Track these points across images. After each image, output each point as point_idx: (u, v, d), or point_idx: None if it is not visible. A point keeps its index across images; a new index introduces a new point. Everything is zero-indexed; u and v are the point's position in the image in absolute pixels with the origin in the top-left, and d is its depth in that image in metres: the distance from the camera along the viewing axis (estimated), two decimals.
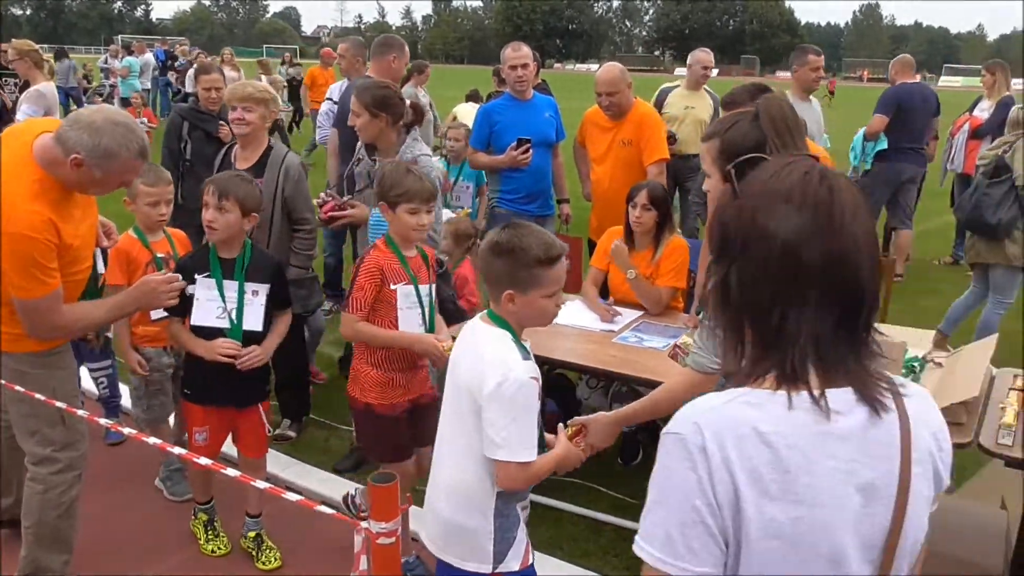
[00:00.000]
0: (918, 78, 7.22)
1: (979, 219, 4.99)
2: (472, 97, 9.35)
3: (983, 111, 7.48)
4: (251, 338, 2.99)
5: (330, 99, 5.83)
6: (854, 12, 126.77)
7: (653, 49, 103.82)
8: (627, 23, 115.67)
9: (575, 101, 13.59)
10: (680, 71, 9.85)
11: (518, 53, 4.73)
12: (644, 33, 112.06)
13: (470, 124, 8.89)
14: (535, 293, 2.04)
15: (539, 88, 7.67)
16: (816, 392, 1.03)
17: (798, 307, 1.04)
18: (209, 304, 2.95)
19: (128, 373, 3.41)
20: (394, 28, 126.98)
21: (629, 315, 3.72)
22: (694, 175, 5.61)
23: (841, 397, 1.04)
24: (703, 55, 6.41)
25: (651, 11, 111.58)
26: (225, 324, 2.96)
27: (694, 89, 6.27)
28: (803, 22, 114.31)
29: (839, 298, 1.04)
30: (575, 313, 3.76)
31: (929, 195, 9.00)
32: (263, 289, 3.01)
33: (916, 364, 2.98)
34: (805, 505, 1.00)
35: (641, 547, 1.05)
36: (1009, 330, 5.74)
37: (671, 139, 5.77)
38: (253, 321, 2.99)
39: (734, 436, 1.01)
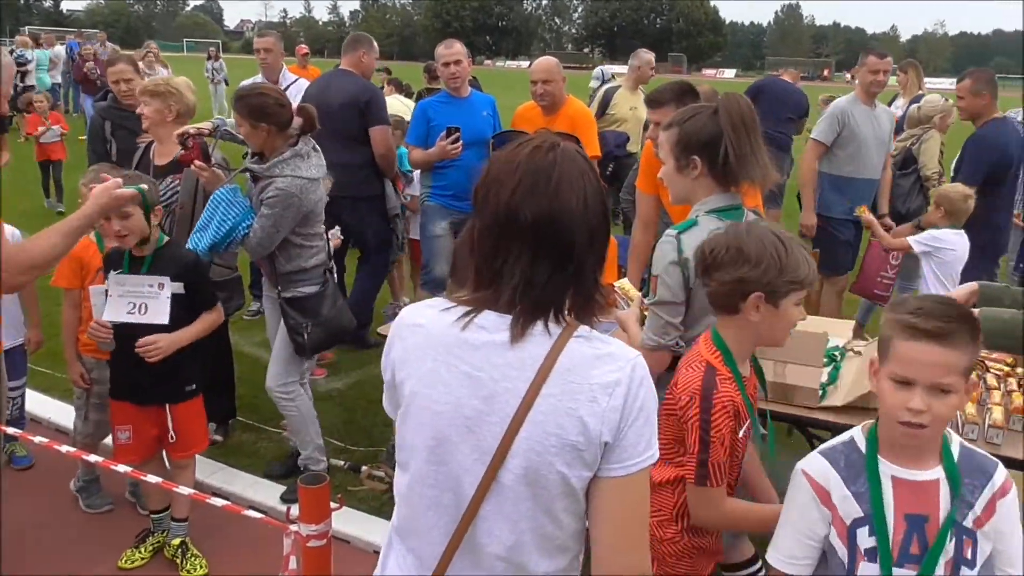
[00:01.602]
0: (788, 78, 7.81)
1: (892, 209, 5.31)
2: (395, 84, 9.29)
3: (898, 108, 7.82)
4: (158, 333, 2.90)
5: None
6: (776, 12, 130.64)
7: (582, 46, 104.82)
8: (556, 20, 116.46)
9: (506, 98, 13.56)
10: (613, 69, 9.90)
11: (451, 50, 4.70)
12: (573, 31, 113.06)
13: (399, 116, 8.90)
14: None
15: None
16: (474, 309, 1.25)
17: (515, 255, 1.22)
18: (120, 300, 2.89)
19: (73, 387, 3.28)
20: (320, 23, 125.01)
21: None
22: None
23: (496, 319, 1.24)
24: (649, 56, 6.50)
25: (580, 8, 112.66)
26: (136, 320, 2.87)
27: (634, 89, 6.36)
28: (728, 21, 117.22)
29: (550, 251, 1.22)
30: None
31: None
32: (168, 283, 2.91)
33: (837, 353, 3.07)
34: (424, 385, 1.26)
35: None
36: None
37: (627, 140, 5.87)
38: (157, 315, 2.89)
39: (407, 322, 1.31)
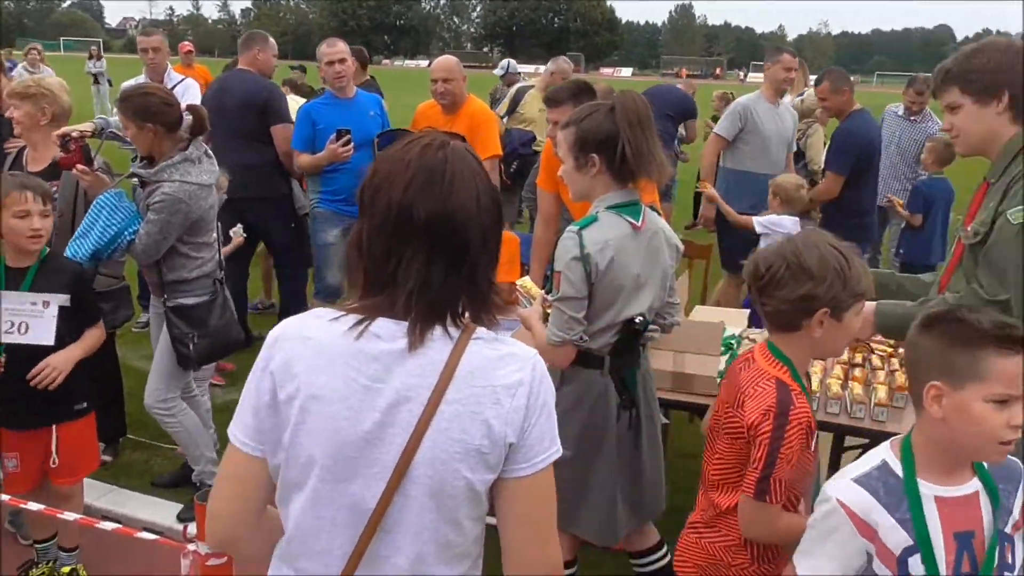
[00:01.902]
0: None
1: None
2: (290, 85, 9.11)
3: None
4: (45, 354, 2.69)
5: None
6: (670, 12, 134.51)
7: (482, 46, 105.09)
8: (455, 19, 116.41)
9: (407, 97, 13.47)
10: (522, 68, 10.03)
11: (333, 48, 4.57)
12: (472, 30, 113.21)
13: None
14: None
15: (367, 85, 7.57)
16: (367, 317, 1.20)
17: (410, 256, 1.19)
18: None
19: None
20: (210, 21, 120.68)
21: None
22: None
23: (391, 326, 1.20)
24: (567, 67, 6.58)
25: (479, 8, 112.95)
26: (16, 340, 2.66)
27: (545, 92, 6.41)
28: (624, 20, 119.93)
29: (445, 252, 1.20)
30: None
31: None
32: (55, 299, 2.71)
33: (733, 342, 3.18)
34: (319, 401, 1.18)
35: None
36: None
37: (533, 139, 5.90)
38: (41, 335, 2.68)
39: (291, 335, 1.23)
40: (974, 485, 1.52)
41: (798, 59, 5.16)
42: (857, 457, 2.72)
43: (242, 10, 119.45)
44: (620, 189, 2.29)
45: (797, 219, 4.53)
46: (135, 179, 3.20)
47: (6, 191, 2.69)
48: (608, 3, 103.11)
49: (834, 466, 2.80)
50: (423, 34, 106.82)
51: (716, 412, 1.98)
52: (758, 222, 4.60)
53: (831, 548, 1.54)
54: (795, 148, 5.33)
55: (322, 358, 1.20)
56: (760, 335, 3.28)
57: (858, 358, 3.00)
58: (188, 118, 3.17)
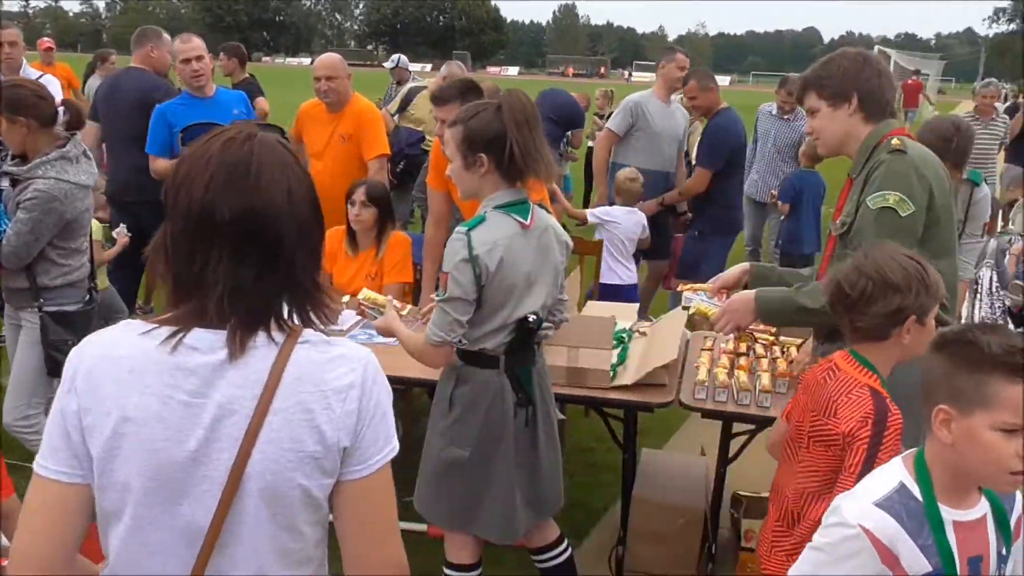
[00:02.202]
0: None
1: None
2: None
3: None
4: None
5: None
6: (554, 12, 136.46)
7: (366, 43, 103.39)
8: (337, 16, 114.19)
9: (290, 96, 13.10)
10: (414, 67, 9.84)
11: (188, 44, 4.32)
12: (355, 27, 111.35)
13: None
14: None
15: (246, 83, 7.30)
16: (181, 328, 1.13)
17: (216, 259, 1.13)
18: None
19: None
20: (71, 15, 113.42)
21: (350, 316, 3.44)
22: None
23: (208, 336, 1.13)
24: (457, 69, 6.51)
25: (361, 5, 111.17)
26: None
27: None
28: (509, 20, 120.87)
29: (256, 251, 1.14)
30: None
31: None
32: None
33: (625, 335, 3.24)
34: (134, 423, 1.11)
35: None
36: None
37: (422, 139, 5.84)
38: None
39: (96, 353, 1.15)
40: (983, 508, 1.50)
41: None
42: (745, 444, 2.86)
43: (107, 3, 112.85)
44: (508, 188, 2.29)
45: (634, 211, 4.81)
46: (4, 179, 2.97)
47: None
48: (493, 2, 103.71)
49: (723, 452, 2.90)
50: (304, 31, 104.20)
51: (799, 423, 2.01)
52: (591, 213, 4.91)
53: (846, 573, 1.47)
54: (684, 144, 5.51)
55: (132, 376, 1.12)
56: (650, 327, 3.35)
57: (742, 347, 3.11)
58: (64, 114, 2.99)
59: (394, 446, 1.23)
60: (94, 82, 7.70)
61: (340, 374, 1.17)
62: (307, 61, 69.10)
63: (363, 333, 3.43)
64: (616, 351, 3.05)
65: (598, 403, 2.86)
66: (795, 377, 2.75)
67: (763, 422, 2.69)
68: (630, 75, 66.85)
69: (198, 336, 1.13)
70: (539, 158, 2.24)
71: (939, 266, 1.97)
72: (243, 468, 1.12)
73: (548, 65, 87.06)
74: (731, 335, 2.89)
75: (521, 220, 2.27)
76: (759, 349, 3.11)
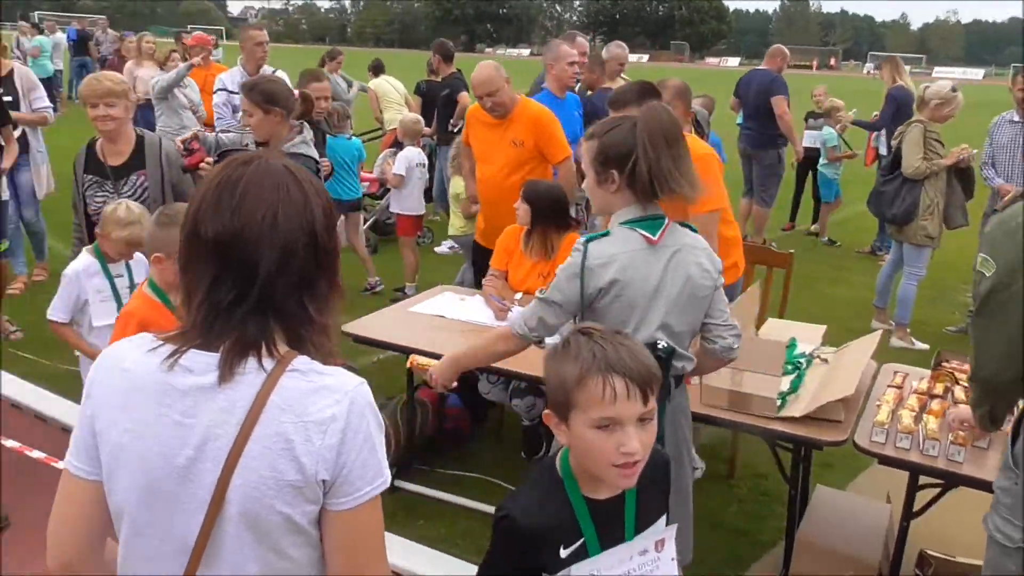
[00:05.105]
0: (766, 66, 7.97)
1: (881, 213, 5.60)
2: (377, 68, 9.39)
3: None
4: None
5: (224, 89, 5.52)
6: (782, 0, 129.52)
7: (584, 33, 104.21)
8: (558, 7, 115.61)
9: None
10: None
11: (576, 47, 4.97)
12: (575, 18, 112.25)
13: (388, 98, 8.96)
14: None
15: (452, 78, 7.59)
16: (179, 348, 1.16)
17: (200, 277, 1.16)
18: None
19: None
20: (323, 11, 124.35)
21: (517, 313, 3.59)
22: None
23: (203, 359, 1.15)
24: (619, 51, 6.37)
25: None
26: None
27: (611, 82, 6.22)
28: (732, 8, 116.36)
29: (233, 273, 1.15)
30: (472, 309, 3.72)
31: (857, 182, 9.27)
32: None
33: (803, 360, 2.99)
34: (132, 434, 1.16)
35: None
36: (924, 318, 5.97)
37: None
38: None
39: (109, 365, 1.21)
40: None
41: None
42: (935, 499, 2.52)
43: None
44: (639, 204, 2.19)
45: None
46: None
47: None
48: None
49: (908, 504, 2.59)
50: (525, 22, 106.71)
51: None
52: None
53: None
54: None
55: (135, 392, 1.17)
56: (832, 355, 3.07)
57: (939, 388, 2.76)
58: (300, 104, 3.55)
59: (385, 479, 1.20)
60: (333, 78, 7.95)
61: (323, 406, 1.15)
62: (527, 52, 70.86)
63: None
64: (789, 378, 2.83)
65: (762, 433, 2.67)
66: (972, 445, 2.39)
67: (951, 478, 2.37)
68: (862, 67, 61.51)
69: (193, 358, 1.16)
70: (672, 177, 2.12)
71: None
72: (224, 492, 1.14)
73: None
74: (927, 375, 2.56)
75: (647, 235, 2.16)
76: (958, 392, 2.74)
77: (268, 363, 1.16)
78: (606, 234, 2.19)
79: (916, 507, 2.57)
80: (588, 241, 2.17)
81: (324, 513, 1.18)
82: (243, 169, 1.18)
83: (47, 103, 5.44)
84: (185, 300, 1.20)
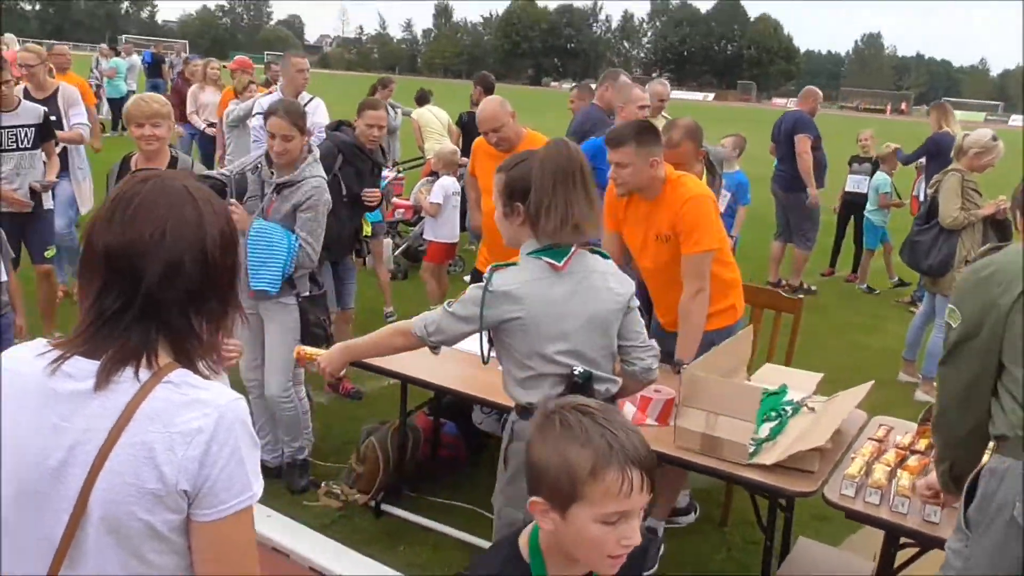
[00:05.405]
0: (798, 107, 7.96)
1: (916, 264, 5.36)
2: (422, 99, 9.52)
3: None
4: None
5: (263, 113, 5.69)
6: (856, 41, 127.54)
7: (651, 71, 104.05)
8: (625, 44, 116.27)
9: (541, 119, 13.63)
10: (680, 95, 9.72)
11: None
12: (642, 55, 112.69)
13: (430, 128, 9.12)
14: None
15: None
16: (64, 354, 1.21)
17: (91, 286, 1.22)
18: None
19: None
20: (395, 40, 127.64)
21: None
22: None
23: (85, 365, 1.20)
24: (660, 88, 6.40)
25: (649, 33, 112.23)
26: None
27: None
28: (803, 49, 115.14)
29: (119, 284, 1.20)
30: (474, 339, 3.74)
31: (900, 232, 8.97)
32: None
33: (788, 408, 2.92)
34: (13, 434, 1.21)
35: None
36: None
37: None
38: None
39: (5, 366, 1.25)
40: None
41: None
42: (910, 560, 2.42)
43: (423, 30, 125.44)
44: (546, 235, 2.22)
45: None
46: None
47: None
48: (787, 31, 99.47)
49: (885, 563, 2.49)
50: (592, 57, 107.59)
51: None
52: None
53: None
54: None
55: (21, 393, 1.23)
56: (823, 404, 2.99)
57: (921, 444, 2.66)
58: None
59: (252, 493, 1.23)
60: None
61: (190, 418, 1.19)
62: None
63: None
64: (770, 425, 2.77)
65: (729, 478, 2.62)
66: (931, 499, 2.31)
67: (926, 540, 2.28)
68: (927, 112, 59.91)
69: (76, 364, 1.21)
70: (569, 213, 2.15)
71: None
72: (87, 495, 1.18)
73: (841, 98, 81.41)
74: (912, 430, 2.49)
75: (552, 262, 2.19)
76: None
77: (144, 373, 1.20)
78: (512, 264, 2.23)
79: (897, 563, 2.48)
80: (494, 269, 2.22)
81: (190, 523, 1.22)
82: (140, 187, 1.24)
83: (84, 120, 5.64)
84: (80, 307, 1.26)
